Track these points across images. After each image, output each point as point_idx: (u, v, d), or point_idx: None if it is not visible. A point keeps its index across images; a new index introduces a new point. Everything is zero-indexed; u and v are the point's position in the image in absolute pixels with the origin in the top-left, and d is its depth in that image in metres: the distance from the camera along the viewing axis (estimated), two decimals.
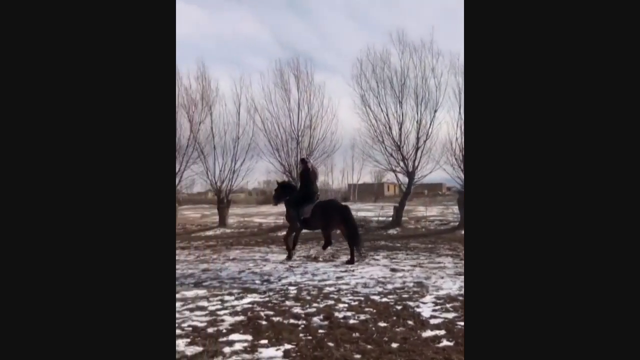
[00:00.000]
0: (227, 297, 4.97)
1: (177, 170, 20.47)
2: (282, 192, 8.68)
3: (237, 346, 3.23)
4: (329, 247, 8.36)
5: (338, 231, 8.92)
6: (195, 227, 19.81)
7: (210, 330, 3.67)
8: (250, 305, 4.53)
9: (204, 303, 4.70)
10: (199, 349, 3.18)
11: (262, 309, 4.35)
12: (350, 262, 7.50)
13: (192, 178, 21.00)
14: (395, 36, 16.93)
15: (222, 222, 18.95)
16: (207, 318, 4.05)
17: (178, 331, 3.63)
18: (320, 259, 8.22)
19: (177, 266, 7.87)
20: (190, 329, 3.72)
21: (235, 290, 5.38)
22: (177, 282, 6.16)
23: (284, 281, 5.98)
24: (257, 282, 6.01)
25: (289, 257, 8.15)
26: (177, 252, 9.38)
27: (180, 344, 3.29)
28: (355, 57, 27.72)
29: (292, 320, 3.93)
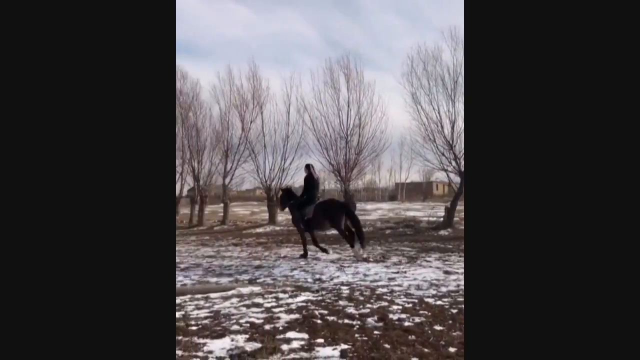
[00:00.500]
0: (281, 295, 5.07)
1: (229, 168, 21.10)
2: (286, 198, 9.27)
3: (295, 344, 3.29)
4: (358, 245, 8.33)
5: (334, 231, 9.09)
6: (245, 224, 20.30)
7: (267, 327, 3.76)
8: (304, 304, 4.59)
9: (260, 300, 4.81)
10: (258, 345, 3.27)
11: (316, 308, 4.40)
12: (355, 254, 8.11)
13: (242, 176, 21.52)
14: (447, 33, 16.64)
15: (272, 220, 19.30)
16: (264, 315, 4.15)
17: (236, 327, 3.75)
18: (371, 259, 8.19)
19: (231, 262, 8.11)
20: (248, 325, 3.82)
21: (288, 288, 5.47)
22: (232, 279, 6.35)
23: (335, 280, 6.01)
24: (309, 280, 6.08)
25: (304, 255, 8.60)
26: (230, 248, 9.66)
27: (240, 340, 3.39)
28: (406, 55, 27.35)
29: (346, 320, 3.95)
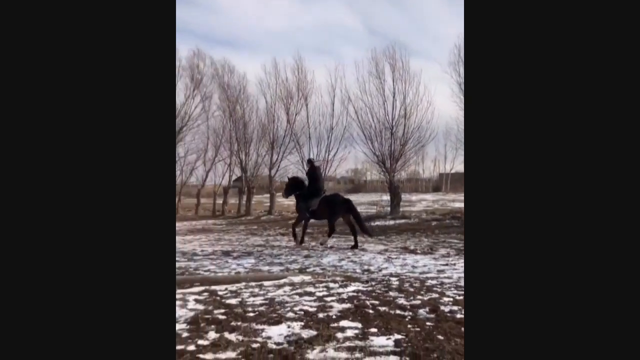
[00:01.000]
0: (331, 284, 5.18)
1: (274, 159, 21.49)
2: (292, 187, 9.98)
3: (349, 332, 3.39)
4: (333, 237, 9.60)
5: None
6: (291, 215, 20.63)
7: (320, 315, 3.88)
8: (355, 294, 4.69)
9: (311, 289, 4.95)
10: (313, 332, 3.39)
11: (367, 298, 4.49)
12: (355, 247, 8.75)
13: (288, 167, 21.85)
14: None
15: None
16: (316, 303, 4.28)
17: (291, 314, 3.90)
18: (419, 252, 8.18)
19: (280, 252, 8.33)
20: (302, 312, 3.96)
21: (338, 278, 5.59)
22: (283, 267, 6.54)
23: (384, 272, 6.07)
24: (357, 271, 6.17)
25: (300, 242, 9.40)
26: (278, 238, 9.90)
27: (296, 327, 3.53)
28: (453, 43, 26.66)
29: (398, 311, 4.01)
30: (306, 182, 9.92)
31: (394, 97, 18.10)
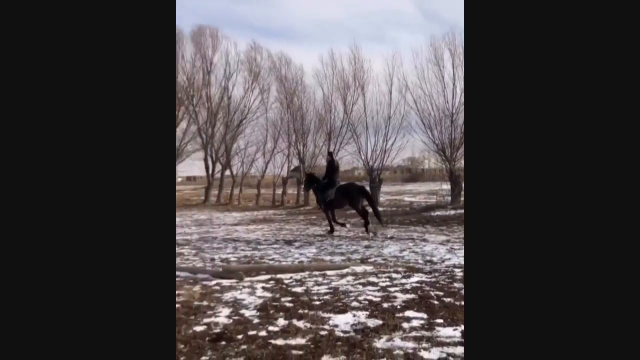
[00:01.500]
0: (394, 275, 5.20)
1: (331, 150, 21.60)
2: (309, 181, 10.65)
3: (414, 322, 3.41)
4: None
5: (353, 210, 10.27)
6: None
7: (385, 305, 3.92)
8: (418, 285, 4.68)
9: (374, 279, 5.00)
10: (379, 322, 3.45)
11: (431, 289, 4.47)
12: (366, 232, 9.18)
13: (345, 158, 21.90)
14: None
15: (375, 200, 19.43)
16: (380, 294, 4.33)
17: (355, 303, 3.97)
18: None
19: (341, 242, 8.43)
20: (367, 302, 4.02)
21: (400, 269, 5.59)
22: (344, 257, 6.63)
23: (447, 263, 6.00)
24: (420, 261, 6.14)
25: (330, 231, 9.76)
26: (337, 228, 9.99)
27: (361, 316, 3.60)
28: None
29: (463, 302, 3.97)
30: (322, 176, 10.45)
31: (453, 84, 17.57)
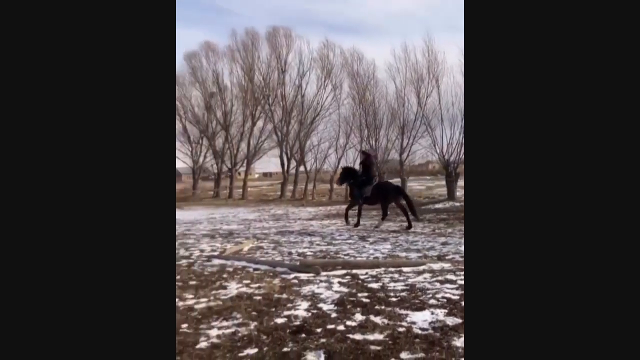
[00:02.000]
0: None
1: (405, 144, 21.29)
2: (345, 175, 11.12)
3: None
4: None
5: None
6: (423, 200, 20.31)
7: (463, 304, 3.83)
8: None
9: (452, 277, 4.89)
10: (458, 320, 3.38)
11: None
12: (409, 227, 9.65)
13: (419, 152, 21.50)
14: None
15: (451, 196, 18.90)
16: (459, 292, 4.23)
17: (433, 301, 3.92)
18: None
19: (416, 238, 8.31)
20: (445, 300, 3.95)
21: None
22: (420, 254, 6.54)
23: None
24: None
25: (356, 225, 10.36)
26: (413, 224, 9.86)
27: (439, 314, 3.55)
28: None
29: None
30: (359, 172, 10.87)
31: None
